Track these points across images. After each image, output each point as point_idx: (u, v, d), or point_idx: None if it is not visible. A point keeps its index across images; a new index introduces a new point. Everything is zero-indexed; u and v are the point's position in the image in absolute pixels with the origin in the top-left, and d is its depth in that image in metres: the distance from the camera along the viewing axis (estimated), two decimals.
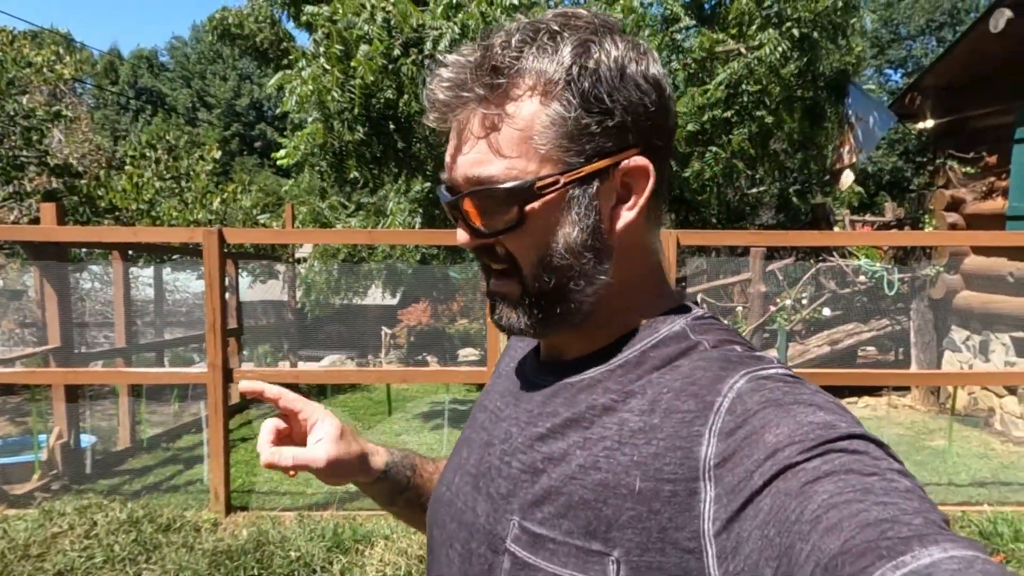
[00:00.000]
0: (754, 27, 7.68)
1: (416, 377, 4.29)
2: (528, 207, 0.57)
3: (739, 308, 8.75)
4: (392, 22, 6.42)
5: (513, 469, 0.61)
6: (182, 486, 5.04)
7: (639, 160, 0.58)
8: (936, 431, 6.55)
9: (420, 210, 7.58)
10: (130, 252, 6.47)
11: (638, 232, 0.61)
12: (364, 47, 6.30)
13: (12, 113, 7.78)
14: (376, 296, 11.66)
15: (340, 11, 6.54)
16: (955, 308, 7.19)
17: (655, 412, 0.54)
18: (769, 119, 8.70)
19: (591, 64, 0.55)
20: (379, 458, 0.81)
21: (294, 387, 8.78)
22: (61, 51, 9.08)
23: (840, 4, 7.86)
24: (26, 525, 3.72)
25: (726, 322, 0.66)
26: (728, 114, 8.46)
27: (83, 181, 8.77)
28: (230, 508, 4.23)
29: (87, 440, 5.36)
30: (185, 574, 3.28)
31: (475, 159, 0.57)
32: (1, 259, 8.72)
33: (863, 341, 8.25)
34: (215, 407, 4.18)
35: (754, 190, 11.70)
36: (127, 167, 9.30)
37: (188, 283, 11.81)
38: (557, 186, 0.56)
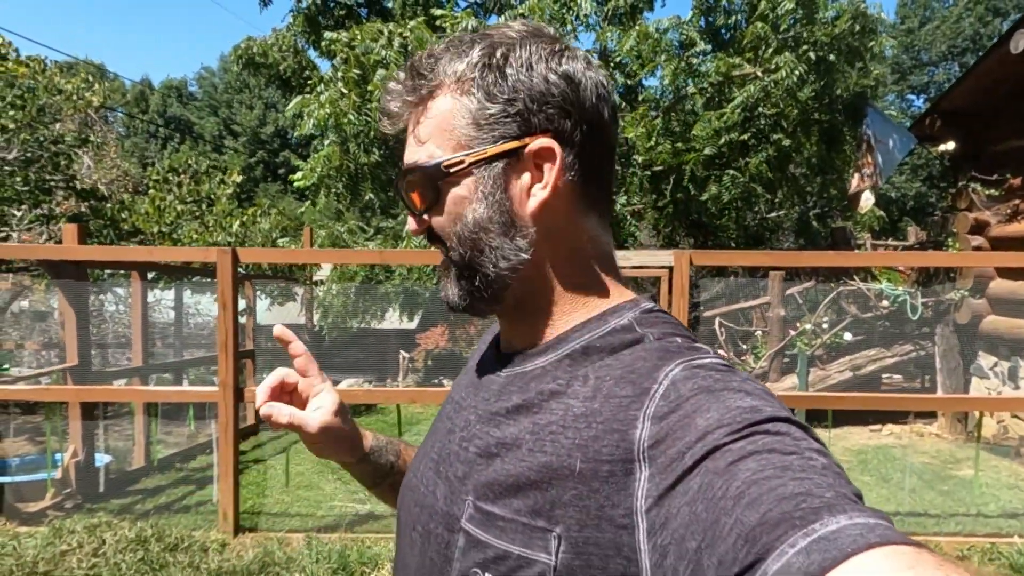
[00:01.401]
0: (770, 51, 7.68)
1: (424, 397, 4.27)
2: (441, 184, 0.64)
3: (758, 332, 8.62)
4: (409, 47, 6.54)
5: (470, 453, 0.65)
6: (193, 506, 5.02)
7: (545, 142, 0.62)
8: (963, 460, 6.34)
9: None
10: (148, 274, 6.57)
11: (563, 215, 0.64)
12: (381, 71, 6.42)
13: (42, 139, 7.99)
14: (394, 320, 11.70)
15: (358, 37, 6.68)
16: (981, 333, 7.00)
17: (596, 398, 0.58)
18: (787, 142, 8.66)
19: (495, 62, 0.62)
20: (365, 441, 0.87)
21: None
22: (91, 79, 9.34)
23: (857, 28, 7.85)
24: (35, 543, 3.73)
25: (671, 315, 0.69)
26: (745, 137, 8.45)
27: (108, 204, 8.96)
28: (239, 529, 4.20)
29: (102, 459, 5.38)
30: None
31: (408, 152, 0.66)
32: (27, 281, 8.90)
33: (886, 367, 8.07)
34: (225, 426, 4.18)
35: (773, 214, 11.62)
36: (150, 191, 9.50)
37: (210, 307, 11.94)
38: (463, 166, 0.62)
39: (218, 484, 4.33)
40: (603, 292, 0.66)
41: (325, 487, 5.57)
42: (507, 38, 0.63)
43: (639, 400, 0.55)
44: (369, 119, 6.45)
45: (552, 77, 0.61)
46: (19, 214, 8.06)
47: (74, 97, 8.77)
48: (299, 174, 6.73)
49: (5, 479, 4.72)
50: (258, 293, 9.21)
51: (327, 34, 7.26)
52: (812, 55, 7.54)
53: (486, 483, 0.61)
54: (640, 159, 9.20)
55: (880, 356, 7.93)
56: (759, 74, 7.77)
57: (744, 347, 8.62)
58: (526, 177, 0.63)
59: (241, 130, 35.43)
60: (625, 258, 4.22)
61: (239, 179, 10.70)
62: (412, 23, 6.84)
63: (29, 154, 7.81)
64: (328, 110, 6.38)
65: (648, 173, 9.51)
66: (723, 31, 9.17)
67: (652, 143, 8.82)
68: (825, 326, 8.13)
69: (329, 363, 12.50)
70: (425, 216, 0.66)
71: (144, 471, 5.88)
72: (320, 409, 0.79)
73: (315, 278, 9.88)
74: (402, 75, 0.66)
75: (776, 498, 0.43)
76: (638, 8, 8.99)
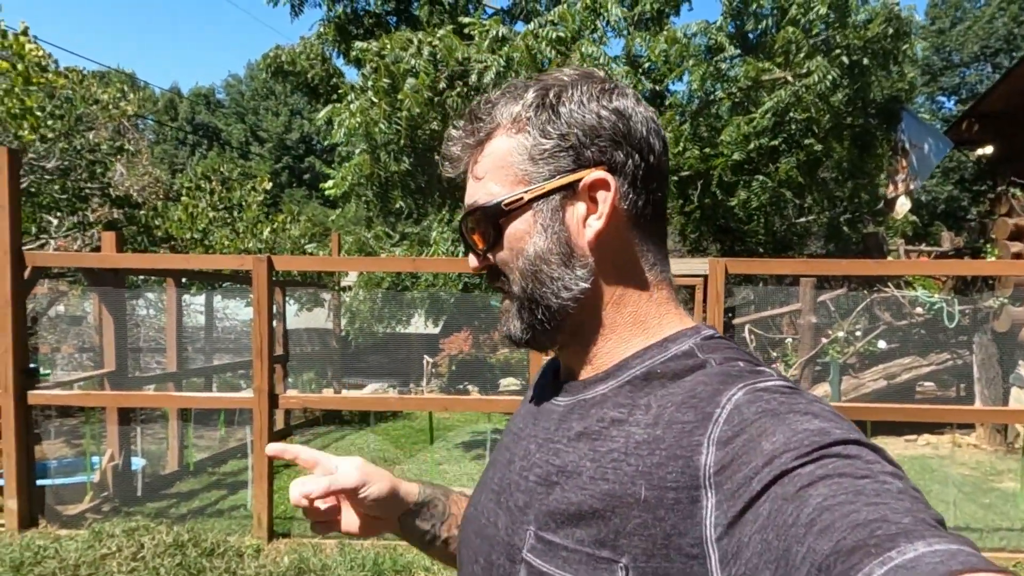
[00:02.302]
0: (801, 55, 7.58)
1: (457, 405, 4.28)
2: (501, 221, 0.66)
3: (788, 340, 8.50)
4: (438, 56, 6.56)
5: (530, 483, 0.65)
6: (227, 511, 5.08)
7: (598, 174, 0.63)
8: (1004, 472, 6.18)
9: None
10: (183, 280, 6.68)
11: (620, 244, 0.66)
12: (411, 80, 6.45)
13: (79, 148, 8.18)
14: (419, 325, 11.74)
15: (388, 46, 6.72)
16: (1021, 342, 6.82)
17: (658, 424, 0.57)
18: (818, 147, 8.54)
19: (548, 101, 0.64)
20: (412, 486, 0.84)
21: (337, 414, 8.83)
22: (126, 89, 9.55)
23: (891, 31, 7.71)
24: (76, 545, 3.79)
25: (733, 341, 0.69)
26: (775, 142, 8.35)
27: (142, 212, 9.14)
28: (273, 534, 4.24)
29: (137, 463, 5.47)
30: None
31: (469, 193, 0.69)
32: (63, 286, 9.09)
33: (922, 376, 7.90)
34: (260, 432, 4.22)
35: (802, 219, 11.46)
36: (183, 198, 9.66)
37: (237, 311, 12.11)
38: (522, 202, 0.65)
39: (252, 489, 4.38)
40: (663, 319, 0.67)
41: None
42: (559, 81, 0.66)
43: (702, 425, 0.54)
44: (399, 128, 6.48)
45: (603, 112, 0.64)
46: (56, 221, 8.25)
47: (109, 107, 8.97)
48: (330, 183, 6.79)
49: (45, 482, 4.82)
50: (287, 299, 9.32)
51: (357, 43, 7.32)
52: (845, 59, 7.43)
53: (548, 512, 0.60)
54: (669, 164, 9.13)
55: (915, 365, 7.77)
56: (790, 79, 7.67)
57: (774, 355, 8.50)
58: (581, 208, 0.64)
59: (267, 136, 35.93)
60: None
61: (269, 186, 10.83)
62: (441, 31, 6.87)
63: (67, 163, 7.99)
64: (359, 119, 6.42)
65: (675, 179, 9.44)
66: (752, 35, 9.08)
67: (679, 148, 8.75)
68: (858, 334, 7.99)
69: (355, 367, 12.60)
70: (488, 255, 0.68)
71: (178, 475, 5.97)
72: (345, 467, 0.77)
73: (343, 284, 9.96)
74: (462, 122, 0.70)
75: (849, 525, 0.42)
76: (665, 13, 8.95)
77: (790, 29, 7.59)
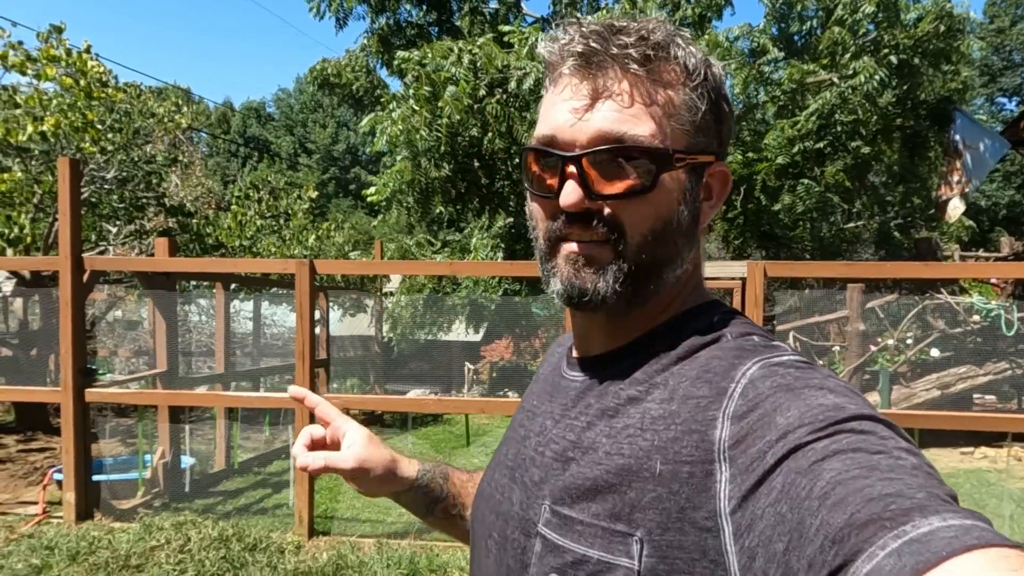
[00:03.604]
0: (847, 56, 7.42)
1: (494, 408, 4.30)
2: (663, 174, 0.59)
3: (836, 348, 8.27)
4: (478, 64, 6.65)
5: (546, 458, 0.64)
6: (270, 509, 5.21)
7: (724, 167, 0.64)
8: None
9: (502, 245, 7.70)
10: (231, 285, 6.90)
11: (703, 229, 0.67)
12: (451, 88, 6.55)
13: (136, 159, 8.55)
14: (460, 332, 11.84)
15: (429, 55, 6.86)
16: None
17: (673, 399, 0.57)
18: (866, 150, 8.33)
19: (715, 71, 0.62)
20: (411, 467, 0.86)
21: (378, 417, 8.94)
22: (180, 103, 9.94)
23: (943, 29, 7.49)
24: (128, 537, 3.95)
25: (748, 317, 0.68)
26: (821, 145, 8.18)
27: (194, 220, 9.48)
28: (313, 532, 4.33)
29: (186, 461, 5.66)
30: None
31: (619, 117, 0.58)
32: (121, 291, 9.49)
33: (978, 386, 7.58)
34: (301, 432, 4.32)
35: (851, 225, 11.17)
36: (232, 207, 10.00)
37: (284, 318, 12.42)
38: (685, 163, 0.60)
39: (294, 488, 4.48)
40: (688, 297, 0.66)
41: None
42: (698, 49, 0.62)
43: (717, 400, 0.54)
44: (439, 135, 6.59)
45: (730, 102, 0.64)
46: (115, 230, 8.63)
47: (165, 120, 9.35)
48: (372, 189, 6.94)
49: (101, 477, 5.03)
50: (331, 304, 9.52)
51: (399, 53, 7.48)
52: (893, 59, 7.24)
53: (563, 487, 0.60)
54: None
55: (971, 374, 7.46)
56: (835, 80, 7.51)
57: (821, 363, 8.28)
58: (702, 191, 0.64)
59: (315, 148, 36.85)
60: None
61: (314, 195, 11.12)
62: (481, 40, 6.97)
63: (125, 174, 8.35)
64: (400, 127, 6.56)
65: None
66: (797, 37, 8.92)
67: None
68: (909, 342, 7.72)
69: (396, 374, 12.76)
70: (602, 199, 0.59)
71: (225, 474, 6.14)
72: (352, 446, 0.79)
73: (384, 290, 10.13)
74: (609, 26, 0.60)
75: (863, 499, 0.41)
76: (707, 17, 8.87)
77: (836, 29, 7.45)
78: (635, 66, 0.58)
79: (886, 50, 7.38)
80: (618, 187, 0.58)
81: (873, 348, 7.58)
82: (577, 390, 0.66)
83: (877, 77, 7.03)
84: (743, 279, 4.01)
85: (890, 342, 7.55)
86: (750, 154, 8.79)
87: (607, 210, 0.59)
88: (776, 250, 10.41)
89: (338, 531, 4.53)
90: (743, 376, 0.54)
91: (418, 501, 0.86)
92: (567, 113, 0.59)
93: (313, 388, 4.41)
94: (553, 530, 0.59)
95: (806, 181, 8.45)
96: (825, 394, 0.50)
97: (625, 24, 0.60)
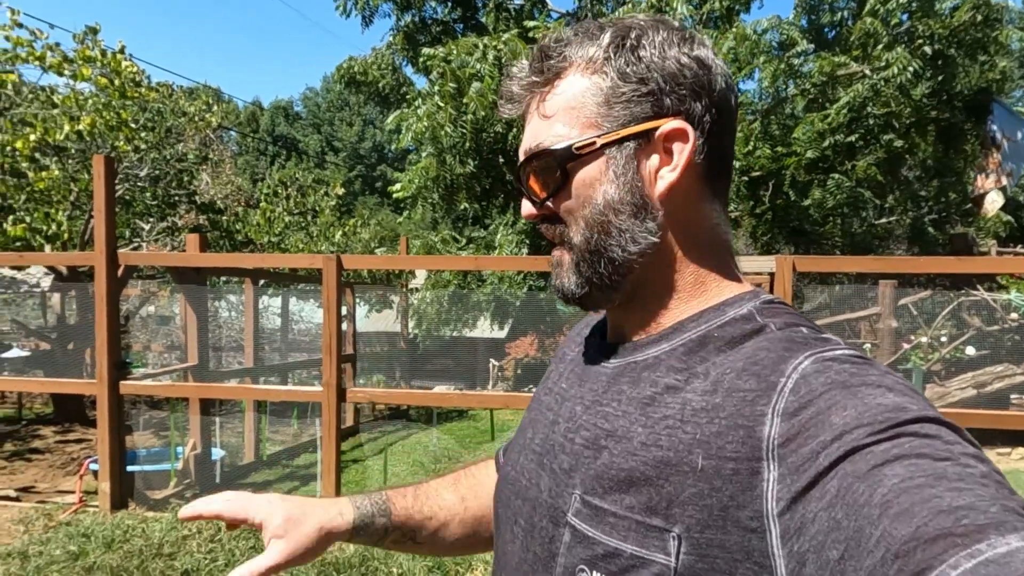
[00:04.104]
0: (880, 47, 7.26)
1: (518, 402, 4.31)
2: (570, 166, 0.62)
3: (867, 345, 8.12)
4: (503, 59, 6.65)
5: (576, 445, 0.62)
6: None
7: (677, 123, 0.60)
8: None
9: (527, 242, 7.69)
10: (260, 281, 7.01)
11: (688, 199, 0.63)
12: (476, 84, 6.56)
13: (168, 158, 8.73)
14: (485, 329, 11.87)
15: (454, 52, 6.88)
16: None
17: (717, 392, 0.55)
18: (899, 143, 8.16)
19: (628, 43, 0.61)
20: (345, 517, 0.81)
21: (404, 413, 9.01)
22: (211, 102, 10.12)
23: (979, 18, 7.29)
24: (161, 526, 4.04)
25: (793, 307, 0.65)
26: (852, 139, 8.02)
27: (224, 217, 9.66)
28: None
29: (217, 453, 5.77)
30: None
31: (532, 133, 0.64)
32: (154, 287, 9.71)
33: (1016, 385, 7.37)
34: (329, 424, 4.37)
35: (883, 220, 10.94)
36: (261, 204, 10.16)
37: (312, 314, 12.58)
38: (594, 147, 0.61)
39: (321, 481, 4.54)
40: (721, 281, 0.64)
41: None
42: (637, 24, 0.62)
43: (766, 395, 0.51)
44: (464, 131, 6.61)
45: (684, 60, 0.60)
46: (147, 227, 8.82)
47: (196, 119, 9.53)
48: (398, 185, 6.99)
49: (135, 468, 5.15)
50: (357, 300, 9.61)
51: (425, 50, 7.51)
52: (928, 49, 7.07)
53: (595, 476, 0.58)
54: (737, 164, 8.92)
55: (1008, 373, 7.26)
56: (867, 72, 7.36)
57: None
58: (655, 159, 0.61)
59: (342, 146, 37.24)
60: None
61: (341, 191, 11.23)
62: (506, 36, 6.97)
63: (157, 172, 8.54)
64: (425, 123, 6.59)
65: (745, 179, 9.20)
66: (827, 29, 8.76)
67: (750, 148, 8.53)
68: (944, 339, 7.54)
69: (422, 370, 12.85)
70: (547, 202, 0.64)
71: (254, 466, 6.25)
72: (272, 540, 0.75)
73: (410, 286, 10.20)
74: (524, 62, 0.65)
75: (931, 511, 0.39)
76: (734, 10, 8.75)
77: (868, 20, 7.30)
78: (535, 85, 0.64)
79: (920, 40, 7.21)
80: (546, 191, 0.64)
81: (906, 346, 7.43)
82: (609, 375, 0.64)
83: (911, 68, 6.87)
84: (771, 274, 3.96)
85: (923, 340, 7.39)
86: (779, 148, 8.66)
87: (553, 211, 0.65)
88: (806, 246, 10.24)
89: None
90: (794, 370, 0.52)
91: (364, 540, 0.84)
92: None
93: (340, 383, 4.45)
94: (584, 521, 0.57)
95: (836, 176, 8.29)
96: (884, 393, 0.47)
97: (542, 42, 0.65)
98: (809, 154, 8.10)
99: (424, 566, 3.59)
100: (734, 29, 7.87)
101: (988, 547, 0.36)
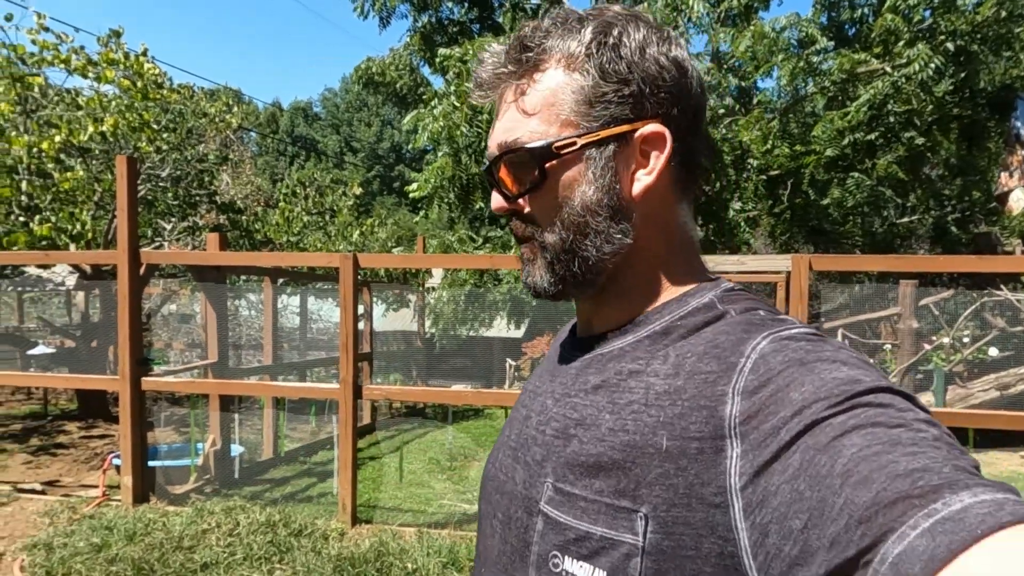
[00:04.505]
0: (901, 44, 7.17)
1: None
2: (548, 165, 0.61)
3: (887, 346, 8.02)
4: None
5: (547, 436, 0.64)
6: (315, 497, 5.34)
7: (656, 127, 0.61)
8: None
9: None
10: (279, 280, 7.09)
11: (661, 200, 0.64)
12: None
13: (189, 158, 8.86)
14: (501, 328, 11.89)
15: (471, 52, 6.90)
16: None
17: (679, 375, 0.56)
18: (920, 141, 8.04)
19: (611, 41, 0.60)
20: None
21: (420, 411, 9.04)
22: (231, 103, 10.25)
23: (1004, 14, 7.16)
24: (181, 520, 4.11)
25: (754, 294, 0.67)
26: (872, 137, 7.92)
27: (244, 217, 9.78)
28: (356, 520, 4.42)
29: (236, 449, 5.85)
30: None
31: (506, 126, 0.63)
32: (175, 286, 9.85)
33: None
34: (345, 421, 4.42)
35: (905, 219, 10.79)
36: (280, 204, 10.27)
37: (330, 314, 12.69)
38: (574, 147, 0.61)
39: (338, 478, 4.59)
40: (685, 275, 0.66)
41: (435, 485, 5.75)
42: (615, 19, 0.62)
43: (726, 375, 0.53)
44: (480, 130, 6.63)
45: (663, 61, 0.61)
46: (169, 226, 8.96)
47: (216, 120, 9.66)
48: (414, 185, 7.03)
49: (156, 463, 5.24)
50: (375, 299, 9.68)
51: (441, 51, 7.54)
52: (950, 45, 6.96)
53: (565, 463, 0.59)
54: (755, 163, 8.84)
55: None
56: (888, 69, 7.27)
57: (872, 361, 8.03)
58: (631, 161, 0.62)
59: (360, 146, 37.47)
60: (740, 263, 4.07)
61: (359, 191, 11.31)
62: None
63: (179, 172, 8.67)
64: (441, 123, 6.62)
65: (764, 178, 9.12)
66: (848, 26, 8.66)
67: (768, 146, 8.46)
68: (966, 340, 7.43)
69: (439, 369, 12.89)
70: (520, 199, 0.64)
71: (272, 462, 6.32)
72: None
73: (427, 285, 10.26)
74: (496, 47, 0.65)
75: (889, 475, 0.40)
76: (753, 8, 8.68)
77: (889, 17, 7.20)
78: (511, 75, 0.63)
79: (942, 36, 7.10)
80: (520, 187, 0.63)
81: (927, 347, 7.32)
82: (577, 368, 0.66)
83: (933, 65, 6.77)
84: (787, 273, 3.93)
85: (945, 340, 7.28)
86: (797, 147, 8.58)
87: (527, 209, 0.64)
88: (825, 246, 10.13)
89: (380, 520, 4.63)
90: (753, 351, 0.53)
91: None
92: (489, 135, 0.67)
93: (356, 380, 4.50)
94: (555, 507, 0.58)
95: (857, 174, 8.19)
96: (839, 367, 0.49)
97: (520, 31, 0.64)
98: (828, 152, 8.01)
99: (439, 562, 3.62)
100: (752, 27, 7.81)
101: (943, 505, 0.38)
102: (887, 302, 8.30)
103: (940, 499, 0.38)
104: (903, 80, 7.00)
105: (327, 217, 10.65)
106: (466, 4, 10.26)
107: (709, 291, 0.63)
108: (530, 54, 0.62)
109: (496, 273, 8.88)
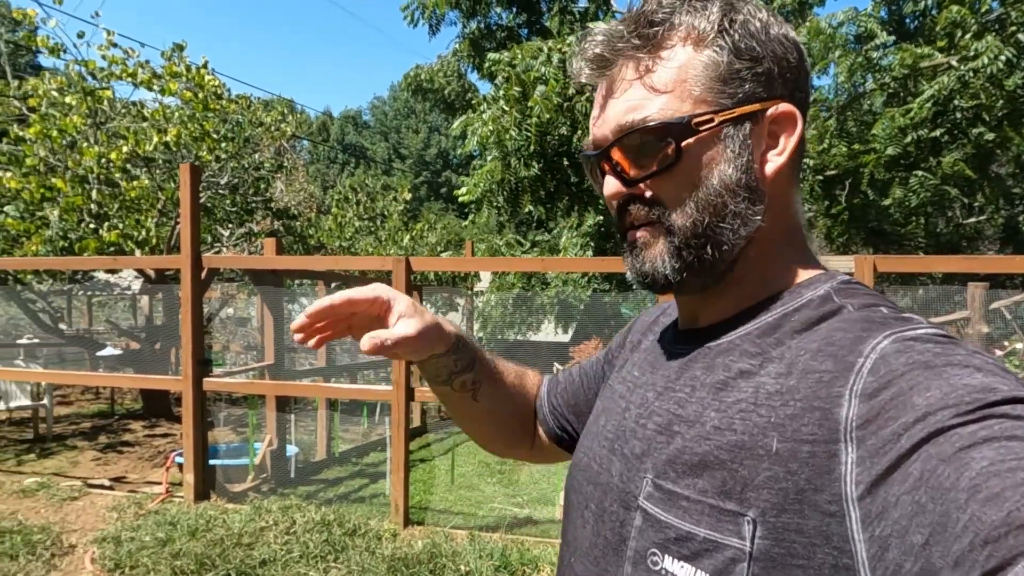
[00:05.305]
0: (968, 36, 6.87)
1: None
2: (684, 143, 0.59)
3: None
4: (567, 62, 6.66)
5: (648, 431, 0.62)
6: (368, 498, 5.41)
7: (787, 107, 0.60)
8: None
9: (592, 244, 7.65)
10: (332, 284, 7.24)
11: (785, 183, 0.62)
12: (540, 87, 6.58)
13: (246, 166, 9.14)
14: (549, 332, 11.87)
15: (519, 56, 6.92)
16: None
17: (792, 374, 0.53)
18: (989, 137, 7.68)
19: (739, 19, 0.59)
20: (450, 329, 0.82)
21: None
22: (285, 112, 10.54)
23: None
24: (240, 518, 4.22)
25: (872, 288, 0.63)
26: (936, 134, 7.61)
27: (297, 223, 10.03)
28: (408, 521, 4.46)
29: (292, 450, 5.98)
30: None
31: (629, 105, 0.60)
32: (233, 290, 10.17)
33: None
34: (398, 423, 4.47)
35: (972, 220, 10.33)
36: (333, 209, 10.50)
37: None
38: (712, 124, 0.58)
39: (390, 478, 4.64)
40: (799, 264, 0.63)
41: (486, 488, 5.76)
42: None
43: (843, 376, 0.50)
44: (529, 134, 6.64)
45: (787, 42, 0.60)
46: (227, 232, 9.25)
47: (271, 129, 9.94)
48: (463, 189, 7.09)
49: (216, 462, 5.40)
50: (425, 303, 9.79)
51: (490, 55, 7.59)
52: (1022, 36, 6.64)
53: (667, 460, 0.58)
54: (811, 163, 8.61)
55: None
56: (954, 63, 6.97)
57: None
58: (763, 142, 0.60)
59: (408, 153, 38.06)
60: None
61: (408, 196, 11.48)
62: (570, 38, 6.97)
63: (236, 180, 8.95)
64: (490, 127, 6.66)
65: (820, 178, 8.87)
66: (909, 19, 8.36)
67: (825, 146, 8.22)
68: None
69: None
70: (641, 182, 0.61)
71: (326, 463, 6.44)
72: (403, 317, 0.75)
73: (475, 289, 10.32)
74: (606, 25, 0.63)
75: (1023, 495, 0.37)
76: (807, 4, 8.47)
77: (954, 8, 6.92)
78: (636, 50, 0.60)
79: (1013, 28, 6.77)
80: (648, 168, 0.60)
81: (999, 352, 6.97)
82: (681, 362, 0.64)
83: (1003, 58, 6.47)
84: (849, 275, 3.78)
85: (1018, 346, 6.92)
86: (856, 146, 8.31)
87: (648, 192, 0.62)
88: (885, 247, 9.78)
89: (431, 522, 4.65)
90: (873, 351, 0.50)
91: (444, 368, 0.83)
92: (594, 117, 0.65)
93: (408, 380, 4.54)
94: (656, 504, 0.57)
95: (920, 173, 7.87)
96: (971, 373, 0.45)
97: (630, 11, 0.62)
98: (889, 151, 7.73)
99: (491, 565, 3.62)
100: (807, 23, 7.62)
101: None
102: (954, 306, 7.95)
103: None
104: (970, 74, 6.71)
105: (378, 222, 10.83)
106: (514, 9, 10.31)
107: (825, 282, 0.60)
108: (656, 28, 0.59)
109: (544, 277, 8.86)
